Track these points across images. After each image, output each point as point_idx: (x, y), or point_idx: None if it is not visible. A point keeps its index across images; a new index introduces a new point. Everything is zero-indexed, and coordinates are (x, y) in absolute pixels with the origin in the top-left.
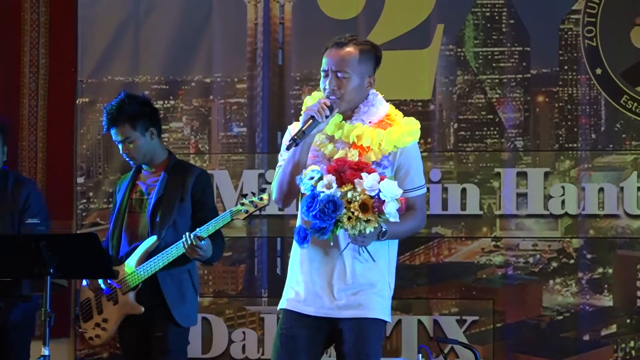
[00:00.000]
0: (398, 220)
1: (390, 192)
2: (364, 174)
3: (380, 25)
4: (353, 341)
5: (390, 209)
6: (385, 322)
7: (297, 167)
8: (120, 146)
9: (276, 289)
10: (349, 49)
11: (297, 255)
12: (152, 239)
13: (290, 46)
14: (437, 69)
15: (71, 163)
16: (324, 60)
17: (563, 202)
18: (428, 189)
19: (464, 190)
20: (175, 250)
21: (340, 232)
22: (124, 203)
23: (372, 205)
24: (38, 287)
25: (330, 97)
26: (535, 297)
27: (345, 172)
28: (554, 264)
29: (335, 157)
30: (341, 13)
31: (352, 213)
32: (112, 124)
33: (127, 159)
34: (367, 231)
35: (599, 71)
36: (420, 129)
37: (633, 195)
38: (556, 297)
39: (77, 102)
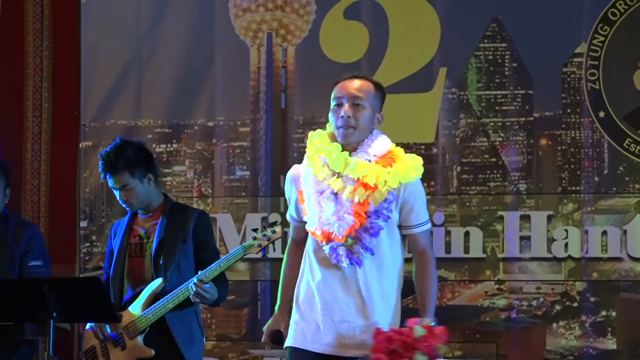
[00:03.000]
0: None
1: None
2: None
3: (383, 69)
4: None
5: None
6: None
7: None
8: (117, 193)
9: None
10: (365, 81)
11: (308, 292)
12: (157, 282)
13: (293, 90)
14: (440, 112)
15: (74, 207)
16: (337, 90)
17: (566, 245)
18: (431, 232)
19: (467, 234)
20: (183, 291)
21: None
22: (122, 248)
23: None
24: (41, 330)
25: (340, 130)
26: (538, 340)
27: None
28: (558, 307)
29: (344, 194)
30: (344, 56)
31: None
32: (110, 172)
33: (124, 205)
34: None
35: (602, 114)
36: (424, 172)
37: (636, 238)
38: (560, 340)
39: (80, 145)
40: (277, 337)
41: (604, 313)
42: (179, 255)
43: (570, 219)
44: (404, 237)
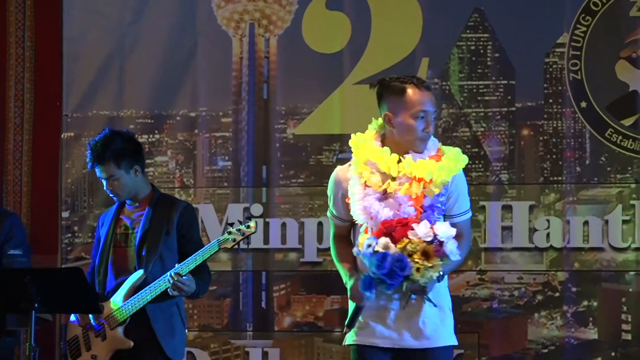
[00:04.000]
0: (459, 258)
1: (446, 233)
2: (414, 225)
3: (366, 59)
4: None
5: (451, 247)
6: (454, 345)
7: None
8: (104, 182)
9: (261, 322)
10: (432, 94)
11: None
12: (139, 273)
13: (276, 80)
14: None
15: (56, 197)
16: (419, 101)
17: (548, 235)
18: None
19: None
20: (162, 284)
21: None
22: (108, 238)
23: (434, 250)
24: (23, 321)
25: (421, 142)
26: (520, 330)
27: (395, 231)
28: (539, 297)
29: (401, 191)
30: (326, 47)
31: (418, 264)
32: (97, 162)
33: (111, 195)
34: (434, 277)
35: (583, 104)
36: None
37: (618, 228)
38: (541, 330)
39: (62, 136)
40: None
41: (585, 303)
42: (161, 246)
43: (552, 209)
44: None
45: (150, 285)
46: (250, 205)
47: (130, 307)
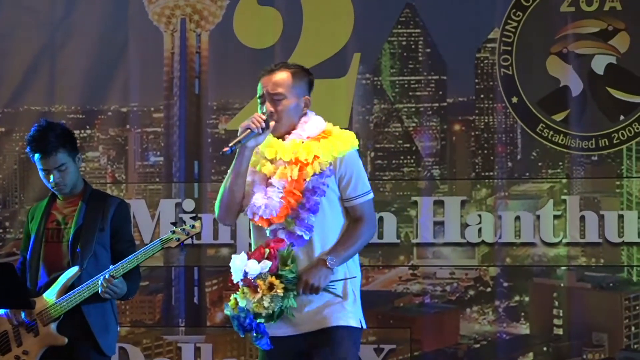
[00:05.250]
0: (261, 271)
1: (238, 267)
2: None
3: (297, 54)
4: (324, 349)
5: (253, 270)
6: (358, 328)
7: (237, 180)
8: (43, 174)
9: (193, 318)
10: (281, 72)
11: None
12: (74, 270)
13: (207, 75)
14: (354, 98)
15: None
16: (258, 87)
17: (480, 230)
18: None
19: (381, 219)
20: (97, 283)
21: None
22: (39, 233)
23: (249, 283)
24: None
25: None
26: (452, 325)
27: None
28: (471, 292)
29: (276, 175)
30: (258, 42)
31: (253, 302)
32: (48, 152)
33: (55, 188)
34: (280, 295)
35: (515, 100)
36: None
37: (549, 224)
38: (473, 325)
39: None
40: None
41: (517, 298)
42: (96, 243)
43: (483, 204)
44: (346, 210)
45: (87, 283)
46: (182, 201)
47: (65, 303)
